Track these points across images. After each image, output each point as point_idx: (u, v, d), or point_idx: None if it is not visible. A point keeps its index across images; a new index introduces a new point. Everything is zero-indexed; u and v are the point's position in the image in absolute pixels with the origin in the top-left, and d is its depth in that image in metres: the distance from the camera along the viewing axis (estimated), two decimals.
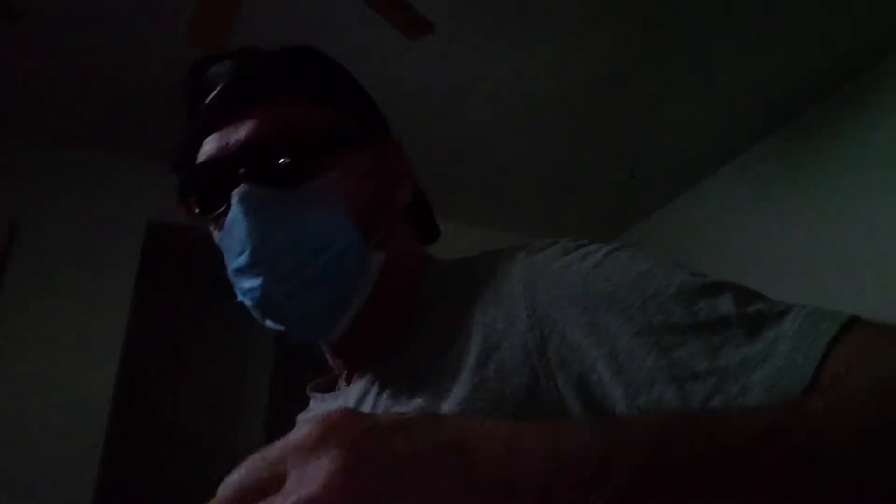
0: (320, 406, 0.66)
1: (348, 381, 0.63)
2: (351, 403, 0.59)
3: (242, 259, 0.56)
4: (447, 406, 0.50)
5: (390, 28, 2.02)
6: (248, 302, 0.58)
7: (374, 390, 0.57)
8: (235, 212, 0.55)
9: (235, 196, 0.56)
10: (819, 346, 0.41)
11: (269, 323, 0.59)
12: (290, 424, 0.72)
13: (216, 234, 0.60)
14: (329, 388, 0.68)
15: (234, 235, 0.56)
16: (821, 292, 2.49)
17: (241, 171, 0.56)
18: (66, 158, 2.86)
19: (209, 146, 0.59)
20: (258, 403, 3.48)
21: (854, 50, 2.47)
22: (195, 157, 0.60)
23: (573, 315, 0.49)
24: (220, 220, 0.58)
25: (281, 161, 0.56)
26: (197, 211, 0.60)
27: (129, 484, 2.97)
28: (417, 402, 0.53)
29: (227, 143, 0.57)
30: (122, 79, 2.54)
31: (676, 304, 0.46)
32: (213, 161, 0.58)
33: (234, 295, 0.59)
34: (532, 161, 3.12)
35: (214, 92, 0.59)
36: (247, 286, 0.56)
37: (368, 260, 0.59)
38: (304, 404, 0.71)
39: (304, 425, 0.31)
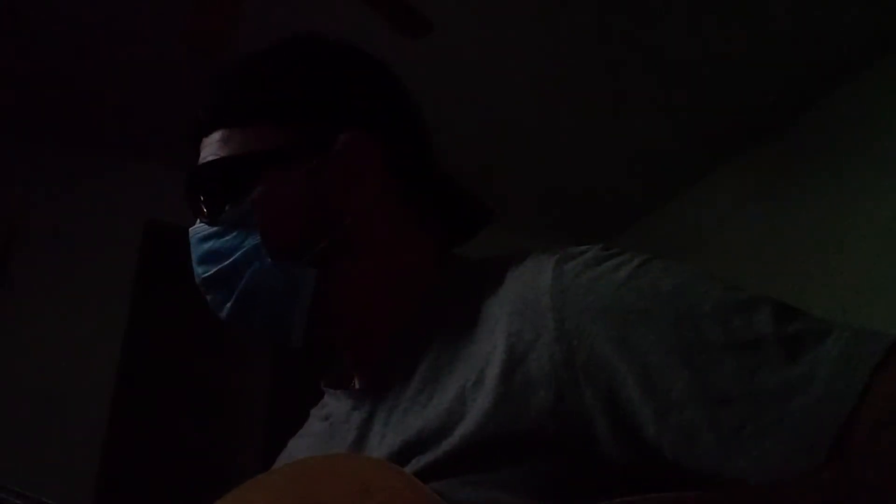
0: (334, 402, 0.65)
1: (363, 377, 0.63)
2: (367, 404, 0.59)
3: (198, 281, 0.63)
4: (470, 416, 0.49)
5: (389, 27, 2.02)
6: None
7: (396, 388, 0.57)
8: None
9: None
10: (863, 374, 0.39)
11: None
12: (290, 423, 0.72)
13: None
14: (344, 382, 0.67)
15: None
16: (822, 293, 2.49)
17: (191, 208, 0.64)
18: (65, 159, 2.86)
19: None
20: (258, 403, 3.48)
21: (855, 46, 2.47)
22: None
23: (603, 329, 0.47)
24: None
25: (202, 198, 0.62)
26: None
27: (128, 483, 2.96)
28: (436, 405, 0.52)
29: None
30: (122, 80, 2.54)
31: (711, 321, 0.44)
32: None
33: None
34: (530, 160, 3.12)
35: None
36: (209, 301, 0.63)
37: (294, 277, 0.59)
38: (304, 403, 0.71)
39: None
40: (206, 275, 0.61)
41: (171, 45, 2.24)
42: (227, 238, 0.60)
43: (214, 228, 0.61)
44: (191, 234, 0.63)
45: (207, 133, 0.63)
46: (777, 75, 2.58)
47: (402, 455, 0.51)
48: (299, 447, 0.68)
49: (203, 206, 0.62)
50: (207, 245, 0.61)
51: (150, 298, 3.07)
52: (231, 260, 0.60)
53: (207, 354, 3.54)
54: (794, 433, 0.40)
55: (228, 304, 0.61)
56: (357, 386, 0.64)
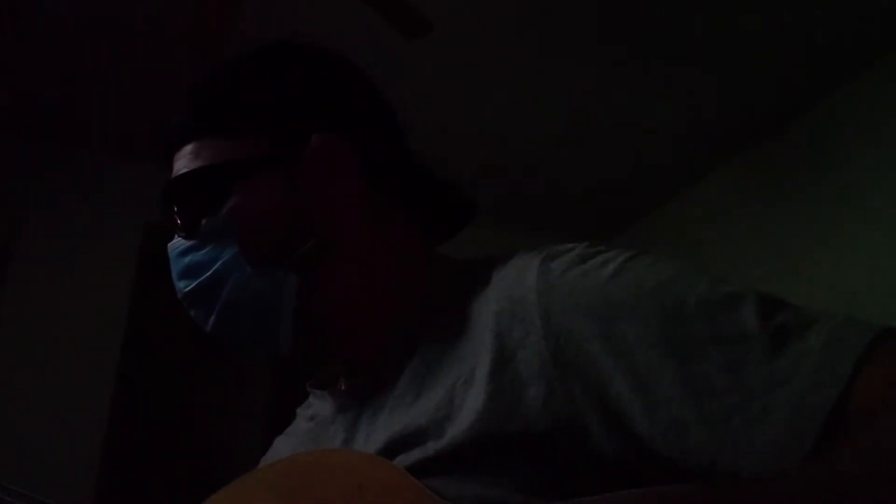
0: (319, 403, 0.65)
1: (354, 378, 0.62)
2: (353, 406, 0.59)
3: (180, 296, 0.62)
4: (462, 414, 0.49)
5: (388, 27, 2.02)
6: None
7: (385, 390, 0.56)
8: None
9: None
10: (846, 365, 0.40)
11: None
12: (290, 423, 0.72)
13: None
14: (329, 383, 0.66)
15: None
16: (822, 293, 2.49)
17: (168, 224, 0.63)
18: (65, 159, 2.86)
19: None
20: (258, 403, 3.48)
21: (855, 46, 2.47)
22: None
23: (589, 326, 0.47)
24: None
25: (176, 212, 0.62)
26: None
27: (128, 483, 2.96)
28: (424, 403, 0.52)
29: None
30: (122, 80, 2.54)
31: (697, 315, 0.45)
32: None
33: None
34: (530, 160, 3.12)
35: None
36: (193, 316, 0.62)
37: (276, 283, 0.58)
38: (304, 400, 0.71)
39: None
40: (188, 289, 0.60)
41: (171, 45, 2.24)
42: (205, 250, 0.59)
43: (192, 242, 0.60)
44: (170, 251, 0.62)
45: (179, 146, 0.62)
46: (777, 75, 2.58)
47: (387, 452, 0.51)
48: (285, 446, 0.68)
49: (179, 220, 0.61)
50: (186, 259, 0.60)
51: (150, 298, 3.07)
52: (210, 272, 0.59)
53: (207, 354, 3.54)
54: (780, 425, 0.40)
55: (212, 318, 0.60)
56: (343, 387, 0.64)
